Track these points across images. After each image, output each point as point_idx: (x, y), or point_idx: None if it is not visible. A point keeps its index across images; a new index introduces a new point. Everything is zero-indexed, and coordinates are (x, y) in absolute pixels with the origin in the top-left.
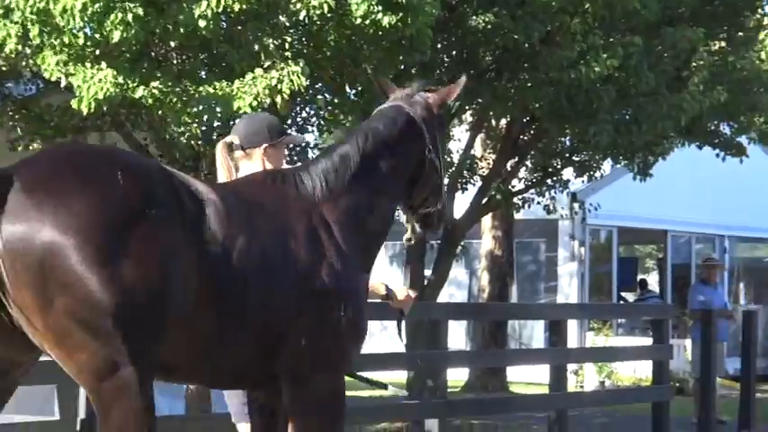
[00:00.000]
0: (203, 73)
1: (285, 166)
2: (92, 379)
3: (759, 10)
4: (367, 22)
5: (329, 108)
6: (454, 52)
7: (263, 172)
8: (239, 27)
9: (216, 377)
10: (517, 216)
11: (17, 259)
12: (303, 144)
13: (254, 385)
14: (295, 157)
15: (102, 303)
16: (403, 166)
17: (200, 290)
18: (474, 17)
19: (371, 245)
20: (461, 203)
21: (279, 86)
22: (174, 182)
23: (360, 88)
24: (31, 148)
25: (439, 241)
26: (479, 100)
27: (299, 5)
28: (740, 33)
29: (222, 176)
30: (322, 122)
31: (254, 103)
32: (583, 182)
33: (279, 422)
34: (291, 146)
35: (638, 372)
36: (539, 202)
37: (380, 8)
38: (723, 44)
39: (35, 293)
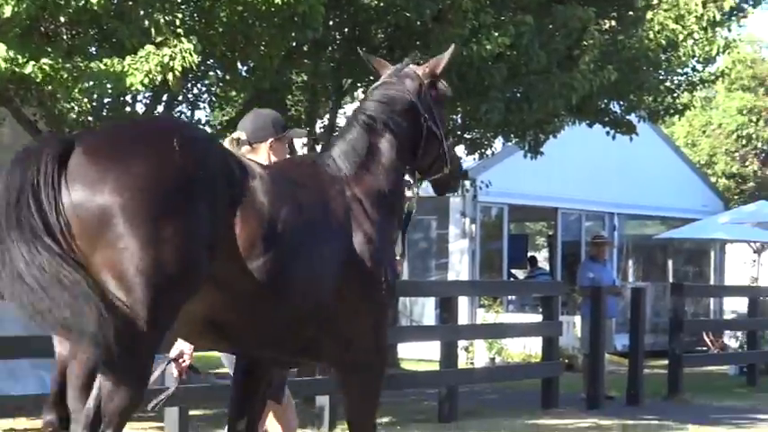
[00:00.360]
0: (94, 49)
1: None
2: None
3: None
4: None
5: (221, 85)
6: (346, 30)
7: (296, 156)
8: (130, 3)
9: (259, 341)
10: (408, 193)
11: (79, 214)
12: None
13: (291, 353)
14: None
15: (139, 258)
16: (403, 138)
17: (244, 254)
18: None
19: (392, 217)
20: None
21: (171, 63)
22: (225, 155)
23: (252, 65)
24: None
25: None
26: (371, 78)
27: None
28: (630, 13)
29: None
30: (213, 99)
31: (146, 81)
32: (474, 159)
33: (258, 382)
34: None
35: (528, 348)
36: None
37: None
38: (613, 23)
39: (89, 245)
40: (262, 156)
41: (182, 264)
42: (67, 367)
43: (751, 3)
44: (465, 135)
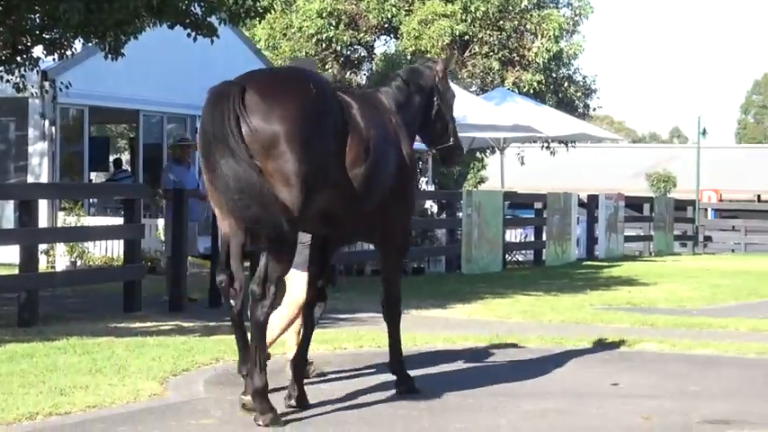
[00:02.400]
0: None
1: None
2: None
3: None
4: None
5: None
6: None
7: (363, 90)
8: None
9: (349, 228)
10: None
11: (257, 136)
12: None
13: (362, 236)
14: None
15: (297, 171)
16: (423, 103)
17: (350, 164)
18: None
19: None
20: None
21: None
22: (336, 93)
23: None
24: None
25: None
26: None
27: None
28: None
29: None
30: None
31: None
32: (54, 60)
33: (329, 256)
34: None
35: (111, 251)
36: (8, 80)
37: None
38: None
39: (265, 156)
40: None
41: (322, 170)
42: (229, 243)
43: None
44: (44, 35)
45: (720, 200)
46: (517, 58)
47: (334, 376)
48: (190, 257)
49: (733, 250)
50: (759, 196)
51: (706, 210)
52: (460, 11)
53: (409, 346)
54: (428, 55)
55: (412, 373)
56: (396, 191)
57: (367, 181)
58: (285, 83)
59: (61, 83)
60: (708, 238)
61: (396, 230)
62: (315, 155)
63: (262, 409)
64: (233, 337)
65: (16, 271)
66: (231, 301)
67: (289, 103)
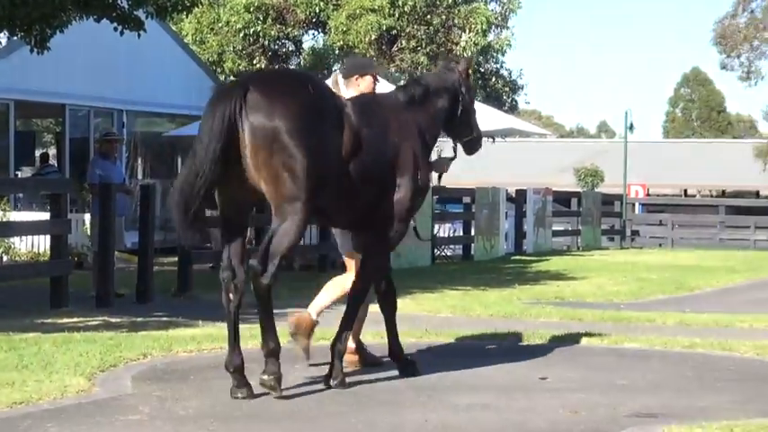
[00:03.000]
0: None
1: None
2: (282, 201)
3: None
4: None
5: None
6: None
7: (379, 94)
8: None
9: (346, 219)
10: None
11: (257, 134)
12: None
13: (364, 228)
14: None
15: (300, 162)
16: (447, 104)
17: (345, 158)
18: None
19: (425, 146)
20: None
21: None
22: (333, 93)
23: None
24: None
25: None
26: None
27: None
28: None
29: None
30: None
31: None
32: None
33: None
34: None
35: (38, 246)
36: None
37: None
38: None
39: (267, 152)
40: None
41: (323, 164)
42: (231, 246)
43: None
44: None
45: (647, 194)
46: (445, 52)
47: (260, 372)
48: (117, 252)
49: (660, 245)
50: (686, 191)
51: (633, 204)
52: (388, 5)
53: (329, 340)
54: (356, 50)
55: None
56: (393, 185)
57: (360, 177)
58: (286, 84)
59: None
60: (635, 233)
61: (391, 223)
62: (316, 149)
63: (269, 370)
64: (160, 332)
65: None
66: (231, 296)
67: (289, 102)
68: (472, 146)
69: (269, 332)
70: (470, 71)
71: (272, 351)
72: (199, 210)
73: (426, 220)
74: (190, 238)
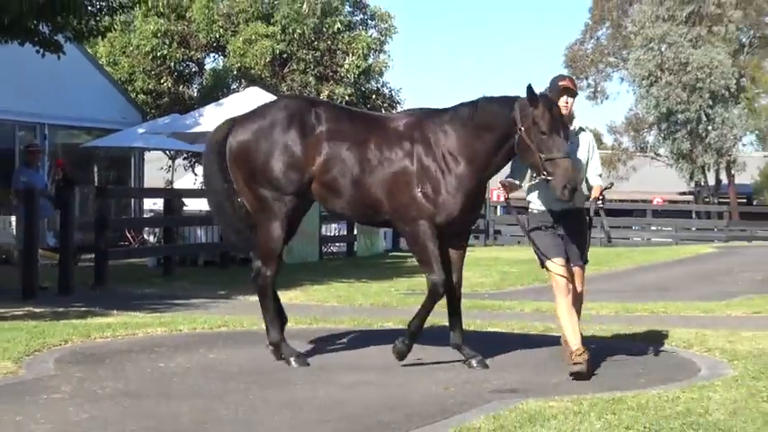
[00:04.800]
0: None
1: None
2: (256, 209)
3: None
4: None
5: None
6: None
7: (382, 114)
8: None
9: (357, 216)
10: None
11: (233, 155)
12: None
13: (379, 224)
14: None
15: (275, 175)
16: (491, 133)
17: (321, 167)
18: None
19: (459, 168)
20: None
21: None
22: (311, 109)
23: None
24: None
25: None
26: None
27: None
28: None
29: None
30: None
31: None
32: None
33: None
34: None
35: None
36: None
37: None
38: None
39: (241, 174)
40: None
41: (282, 174)
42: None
43: None
44: None
45: (507, 199)
46: (331, 74)
47: (168, 356)
48: (41, 250)
49: (519, 242)
50: None
51: (496, 207)
52: (280, 32)
53: (237, 328)
54: (252, 71)
55: (239, 351)
56: (383, 196)
57: (338, 186)
58: (259, 112)
59: None
60: (497, 232)
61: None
62: (282, 159)
63: (288, 353)
64: (80, 321)
65: None
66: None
67: (253, 124)
68: (552, 186)
69: (270, 324)
70: (545, 112)
71: (274, 343)
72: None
73: (315, 219)
74: (235, 244)
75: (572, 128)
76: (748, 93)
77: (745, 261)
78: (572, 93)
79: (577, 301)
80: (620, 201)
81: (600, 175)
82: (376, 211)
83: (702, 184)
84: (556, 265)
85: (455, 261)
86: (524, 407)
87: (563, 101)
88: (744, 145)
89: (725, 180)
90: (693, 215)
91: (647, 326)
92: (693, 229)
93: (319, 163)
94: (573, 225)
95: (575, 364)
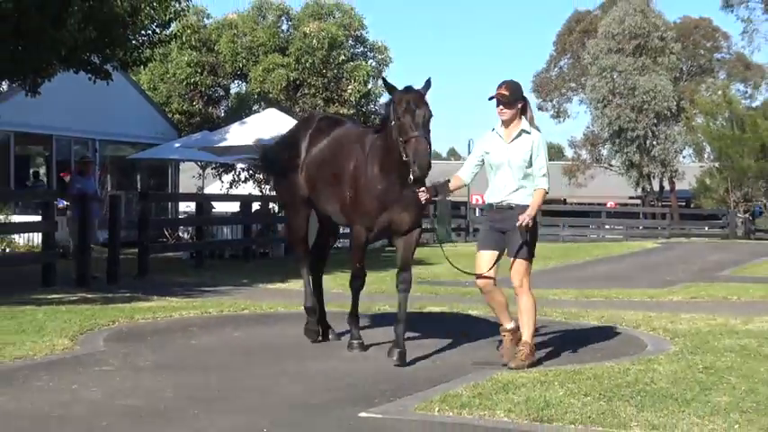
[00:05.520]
0: None
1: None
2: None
3: None
4: None
5: None
6: None
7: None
8: None
9: (333, 215)
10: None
11: None
12: None
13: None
14: None
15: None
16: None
17: (313, 173)
18: None
19: (377, 168)
20: None
21: None
22: (304, 131)
23: None
24: None
25: None
26: None
27: None
28: None
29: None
30: None
31: None
32: None
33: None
34: None
35: (32, 241)
36: None
37: None
38: None
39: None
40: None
41: (285, 177)
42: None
43: None
44: None
45: (484, 202)
46: (336, 97)
47: (199, 334)
48: (93, 245)
49: None
50: None
51: (475, 209)
52: (294, 62)
53: (257, 310)
54: (270, 95)
55: (259, 330)
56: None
57: (321, 185)
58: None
59: None
60: (476, 230)
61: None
62: (283, 168)
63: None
64: (125, 305)
65: None
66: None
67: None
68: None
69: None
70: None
71: (307, 309)
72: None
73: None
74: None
75: (514, 132)
76: (687, 113)
77: (684, 255)
78: (501, 101)
79: (521, 295)
80: (580, 204)
81: (545, 176)
82: (338, 215)
83: (648, 190)
84: (479, 256)
85: (402, 252)
86: (499, 377)
87: (498, 109)
88: (683, 157)
89: (667, 186)
90: (641, 216)
91: (602, 309)
92: (641, 227)
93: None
94: (512, 220)
95: (512, 360)
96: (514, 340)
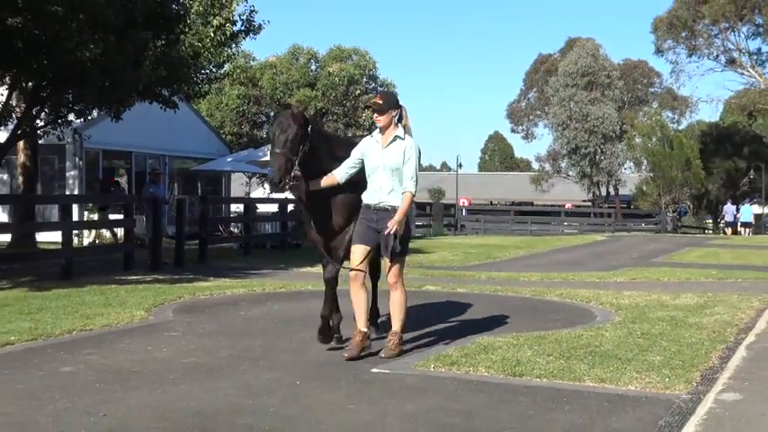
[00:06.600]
0: None
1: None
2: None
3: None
4: None
5: None
6: None
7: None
8: None
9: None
10: (41, 141)
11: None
12: None
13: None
14: None
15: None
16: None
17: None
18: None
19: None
20: (2, 134)
21: None
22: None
23: None
24: None
25: None
26: (15, 70)
27: None
28: (171, 36)
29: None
30: None
31: None
32: (80, 122)
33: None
34: None
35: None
36: (54, 134)
37: None
38: (162, 42)
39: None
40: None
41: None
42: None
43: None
44: (74, 107)
45: (470, 204)
46: (353, 123)
47: (246, 307)
48: (164, 238)
49: (477, 233)
50: (491, 202)
51: (462, 209)
52: (320, 95)
53: (292, 289)
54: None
55: (294, 304)
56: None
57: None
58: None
59: (85, 135)
60: (462, 226)
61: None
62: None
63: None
64: (189, 284)
65: (60, 246)
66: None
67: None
68: None
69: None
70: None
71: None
72: None
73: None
74: None
75: (389, 138)
76: (628, 135)
77: (625, 246)
78: (375, 109)
79: (394, 290)
80: (544, 205)
81: (413, 179)
82: None
83: (597, 194)
84: (354, 250)
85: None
86: (480, 341)
87: (375, 117)
88: (625, 169)
89: (612, 192)
90: (591, 215)
91: (561, 288)
92: (591, 224)
93: None
94: (387, 221)
95: (347, 349)
96: (363, 342)
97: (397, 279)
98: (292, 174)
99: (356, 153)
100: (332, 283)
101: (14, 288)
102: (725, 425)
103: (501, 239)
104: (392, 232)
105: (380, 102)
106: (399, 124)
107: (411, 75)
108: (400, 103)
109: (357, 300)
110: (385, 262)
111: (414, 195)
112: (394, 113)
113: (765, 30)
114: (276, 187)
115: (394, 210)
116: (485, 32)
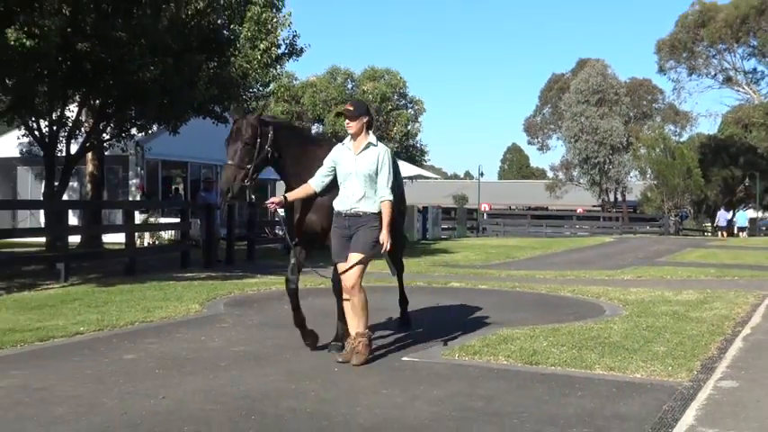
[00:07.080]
0: None
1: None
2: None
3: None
4: None
5: None
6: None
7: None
8: None
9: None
10: (107, 153)
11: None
12: None
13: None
14: None
15: None
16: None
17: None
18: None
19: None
20: (74, 146)
21: None
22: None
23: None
24: None
25: (60, 166)
26: (84, 89)
27: None
28: (222, 58)
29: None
30: None
31: None
32: (142, 135)
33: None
34: None
35: (174, 236)
36: (118, 146)
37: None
38: (215, 63)
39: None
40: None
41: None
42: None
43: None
44: (137, 122)
45: (490, 209)
46: (385, 135)
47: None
48: (216, 239)
49: (497, 235)
50: (510, 207)
51: (483, 214)
52: None
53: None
54: (339, 134)
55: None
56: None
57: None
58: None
59: (147, 147)
60: (484, 229)
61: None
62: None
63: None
64: (238, 280)
65: (123, 247)
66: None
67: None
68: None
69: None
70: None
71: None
72: None
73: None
74: None
75: (362, 145)
76: (634, 146)
77: (632, 247)
78: (346, 116)
79: (353, 295)
80: (558, 210)
81: (389, 187)
82: None
83: (606, 200)
84: (339, 268)
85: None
86: (501, 333)
87: (346, 123)
88: (631, 177)
89: (620, 198)
90: (601, 219)
91: (573, 285)
92: (601, 227)
93: None
94: (357, 226)
95: (342, 354)
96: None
97: (355, 284)
98: (246, 182)
99: (328, 161)
100: (292, 294)
101: (83, 284)
102: (723, 409)
103: (519, 241)
104: (387, 248)
105: (351, 108)
106: (370, 131)
107: (438, 92)
108: (371, 110)
109: (347, 307)
110: (343, 265)
111: (391, 202)
112: (365, 120)
113: (760, 51)
114: (225, 198)
115: (365, 215)
116: (504, 54)
